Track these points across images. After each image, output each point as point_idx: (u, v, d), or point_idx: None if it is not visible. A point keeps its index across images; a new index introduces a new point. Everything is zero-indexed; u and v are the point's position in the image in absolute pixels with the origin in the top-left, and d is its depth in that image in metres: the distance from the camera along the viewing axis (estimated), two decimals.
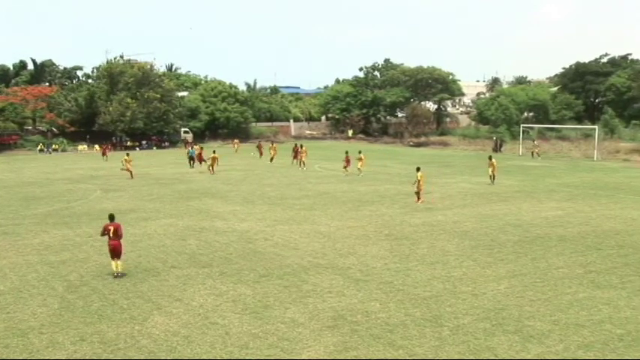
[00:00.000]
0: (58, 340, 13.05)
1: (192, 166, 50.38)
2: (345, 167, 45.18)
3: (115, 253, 17.91)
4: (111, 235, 18.03)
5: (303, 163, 49.40)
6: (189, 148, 57.26)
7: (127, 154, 46.13)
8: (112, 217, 18.74)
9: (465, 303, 15.22)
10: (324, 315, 14.43)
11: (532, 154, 62.51)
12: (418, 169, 31.17)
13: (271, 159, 54.66)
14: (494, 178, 38.69)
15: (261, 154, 60.54)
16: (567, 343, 12.65)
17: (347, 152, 46.13)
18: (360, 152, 45.25)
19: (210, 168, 46.17)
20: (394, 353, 12.27)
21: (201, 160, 49.49)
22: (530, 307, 14.84)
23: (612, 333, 13.20)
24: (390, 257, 19.91)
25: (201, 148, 54.65)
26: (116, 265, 17.89)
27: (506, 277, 17.50)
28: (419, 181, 30.82)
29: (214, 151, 48.32)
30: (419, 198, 30.83)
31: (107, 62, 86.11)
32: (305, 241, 22.36)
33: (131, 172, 43.42)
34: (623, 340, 12.79)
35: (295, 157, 52.34)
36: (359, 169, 44.10)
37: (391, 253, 20.41)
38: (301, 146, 51.70)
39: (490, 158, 39.90)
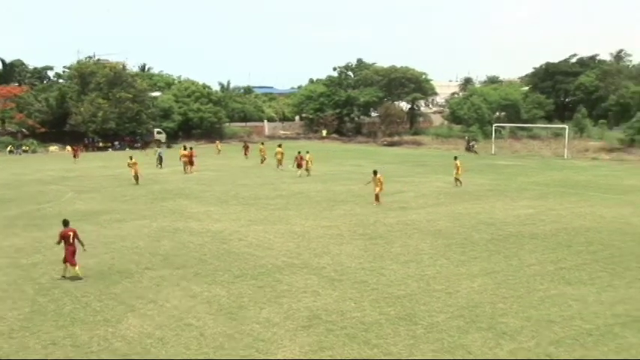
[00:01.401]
0: (28, 345, 12.90)
1: (162, 167, 49.94)
2: (298, 166, 44.27)
3: (74, 257, 17.71)
4: (71, 240, 17.78)
5: (280, 163, 48.81)
6: (157, 148, 56.86)
7: (131, 157, 42.40)
8: (66, 223, 18.37)
9: (439, 301, 15.36)
10: (299, 315, 14.46)
11: (471, 149, 64.39)
12: (375, 173, 30.87)
13: (262, 160, 53.43)
14: (458, 180, 37.14)
15: (246, 154, 59.28)
16: (539, 339, 12.84)
17: (299, 152, 45.60)
18: (307, 152, 44.94)
19: (188, 168, 46.12)
20: (369, 352, 12.34)
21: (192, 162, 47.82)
22: (503, 305, 15.03)
23: (582, 328, 13.43)
24: (365, 256, 20.00)
25: (192, 149, 53.63)
26: (75, 272, 17.66)
27: (480, 275, 17.69)
28: (381, 182, 30.44)
29: (185, 149, 48.70)
30: (377, 200, 30.32)
31: (78, 62, 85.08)
32: (279, 241, 22.36)
33: (137, 176, 39.81)
34: (592, 335, 13.02)
35: (300, 165, 51.37)
36: (307, 170, 43.79)
37: (365, 253, 20.50)
38: (278, 146, 51.28)
39: (455, 159, 38.60)
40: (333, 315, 14.43)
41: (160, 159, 51.24)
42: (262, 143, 59.61)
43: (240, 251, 20.94)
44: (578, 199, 31.82)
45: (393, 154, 65.19)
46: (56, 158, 64.84)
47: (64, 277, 17.69)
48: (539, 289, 16.29)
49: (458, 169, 37.15)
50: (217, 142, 74.29)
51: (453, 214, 27.59)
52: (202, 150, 68.73)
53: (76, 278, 17.60)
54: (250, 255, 20.37)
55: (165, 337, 13.21)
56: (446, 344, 12.64)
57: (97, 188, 38.09)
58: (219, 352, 12.44)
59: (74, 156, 59.69)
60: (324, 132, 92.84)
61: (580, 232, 23.52)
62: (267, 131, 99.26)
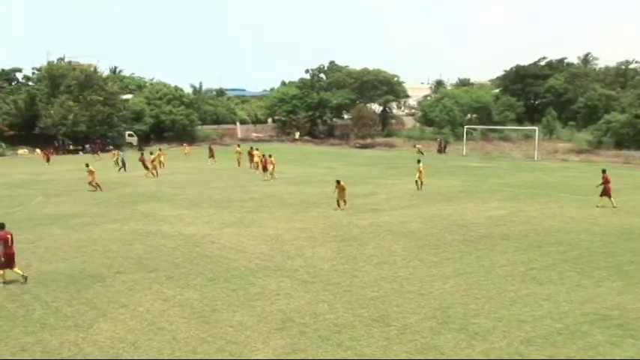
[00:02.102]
0: None
1: (125, 170, 49.23)
2: (263, 169, 43.51)
3: (13, 260, 17.49)
4: (10, 243, 17.54)
5: (256, 165, 47.79)
6: (121, 152, 56.27)
7: (87, 165, 40.29)
8: (2, 226, 17.98)
9: (412, 302, 15.46)
10: (273, 317, 14.45)
11: (418, 151, 65.23)
12: (338, 182, 29.99)
13: (239, 163, 52.96)
14: (421, 184, 36.60)
15: (212, 157, 58.68)
16: (510, 339, 12.99)
17: (263, 155, 45.00)
18: (270, 156, 43.91)
19: (154, 172, 45.59)
20: (343, 354, 12.37)
21: (146, 166, 47.34)
22: (475, 305, 15.18)
23: (552, 327, 13.62)
24: (338, 258, 20.05)
25: (159, 150, 53.44)
26: (17, 272, 17.46)
27: (452, 276, 17.84)
28: (343, 190, 29.69)
29: (151, 153, 48.39)
30: (339, 205, 29.66)
31: (48, 64, 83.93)
32: (252, 244, 22.32)
33: (96, 184, 38.38)
34: (562, 334, 13.22)
35: (252, 160, 50.84)
36: (271, 174, 42.68)
37: (338, 255, 20.55)
38: (256, 149, 50.67)
39: (418, 162, 37.73)
40: (306, 317, 14.45)
41: (124, 162, 50.37)
42: (238, 145, 59.34)
43: (213, 254, 20.86)
44: (548, 200, 32.26)
45: (365, 156, 65.42)
46: (26, 161, 63.86)
47: (4, 283, 17.28)
48: (510, 290, 16.48)
49: (420, 172, 36.66)
50: (185, 144, 73.29)
51: (425, 216, 27.78)
52: (173, 153, 68.37)
53: (20, 278, 17.48)
54: (223, 258, 20.29)
55: (138, 341, 13.11)
56: (419, 345, 12.73)
57: (67, 192, 37.63)
58: (192, 355, 12.38)
59: (46, 160, 58.43)
60: (297, 134, 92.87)
61: (550, 233, 23.85)
62: (239, 134, 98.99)
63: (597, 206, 29.77)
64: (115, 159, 53.39)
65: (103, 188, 37.77)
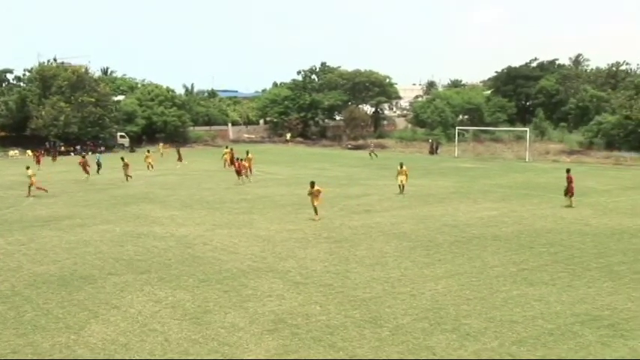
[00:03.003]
0: None
1: (99, 173, 48.20)
2: (237, 173, 41.35)
3: None
4: None
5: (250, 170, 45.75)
6: (97, 154, 55.78)
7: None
8: None
9: (404, 303, 15.48)
10: (265, 319, 14.44)
11: (370, 154, 64.30)
12: (313, 184, 27.65)
13: (225, 164, 52.06)
14: (403, 188, 35.17)
15: (180, 160, 57.40)
16: (502, 340, 13.03)
17: (238, 158, 43.03)
18: (247, 153, 43.41)
19: (127, 177, 43.32)
20: (335, 355, 12.38)
21: (86, 170, 45.38)
22: (467, 306, 15.21)
23: (544, 328, 13.67)
24: (330, 260, 20.05)
25: (147, 152, 53.33)
26: None
27: (444, 277, 17.87)
28: (317, 195, 27.41)
29: (122, 158, 45.63)
30: (316, 213, 27.45)
31: (39, 65, 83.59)
32: (244, 245, 22.29)
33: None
34: (554, 335, 13.26)
35: (232, 163, 49.55)
36: (246, 176, 41.45)
37: (330, 256, 20.56)
38: (229, 148, 50.18)
39: (401, 165, 35.94)
40: (298, 318, 14.44)
41: (99, 165, 49.57)
42: (227, 147, 59.16)
43: (204, 255, 20.82)
44: (540, 201, 32.36)
45: (357, 158, 65.43)
46: (16, 163, 63.47)
47: None
48: (502, 290, 16.52)
49: (405, 176, 35.40)
50: (161, 144, 71.28)
51: (417, 217, 27.82)
52: (168, 154, 68.15)
53: None
54: (215, 259, 20.26)
55: (130, 343, 13.07)
56: (411, 346, 12.75)
57: (58, 193, 37.47)
58: (184, 357, 12.36)
59: (37, 162, 56.49)
60: (289, 135, 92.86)
61: (541, 234, 23.93)
62: (231, 135, 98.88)
63: (565, 206, 30.06)
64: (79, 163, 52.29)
65: (47, 190, 37.18)
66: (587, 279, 17.60)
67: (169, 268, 19.15)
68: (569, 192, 30.48)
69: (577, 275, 18.00)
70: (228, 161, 45.28)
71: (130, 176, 43.46)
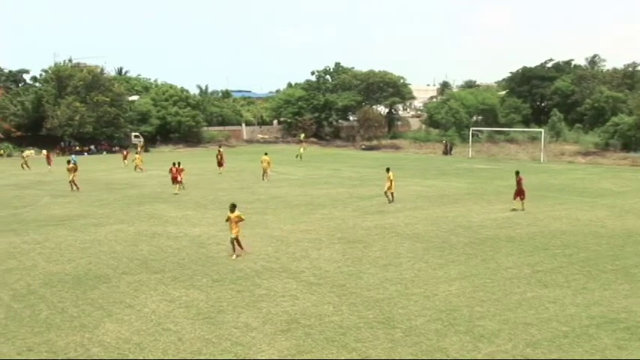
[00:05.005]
0: (3, 352, 12.74)
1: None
2: (173, 180, 37.34)
3: None
4: None
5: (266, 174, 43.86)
6: (73, 155, 55.20)
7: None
8: None
9: (417, 304, 15.43)
10: (278, 319, 14.44)
11: (298, 157, 61.94)
12: (233, 208, 20.64)
13: (218, 165, 50.02)
14: (392, 196, 32.62)
15: (125, 159, 55.82)
16: (516, 342, 12.95)
17: (174, 163, 38.22)
18: (179, 164, 38.60)
19: (73, 183, 38.97)
20: (347, 356, 12.35)
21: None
22: (481, 308, 15.14)
23: (558, 330, 13.57)
24: (343, 260, 20.03)
25: (142, 147, 52.86)
26: None
27: (457, 279, 17.80)
28: (234, 221, 20.63)
29: (69, 161, 41.09)
30: (240, 246, 20.91)
31: (55, 65, 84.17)
32: (258, 246, 22.31)
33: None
34: (568, 337, 13.16)
35: (220, 164, 49.04)
36: (180, 182, 37.52)
37: (344, 256, 20.53)
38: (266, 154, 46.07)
39: (387, 171, 32.92)
40: (311, 319, 14.43)
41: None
42: (220, 146, 58.51)
43: (218, 255, 20.87)
44: (554, 203, 32.16)
45: (371, 158, 65.37)
46: (32, 162, 63.95)
47: None
48: (516, 292, 16.43)
49: (391, 182, 32.38)
50: (124, 150, 62.61)
51: (431, 218, 27.73)
52: (182, 154, 68.37)
53: None
54: (228, 259, 20.29)
55: (143, 342, 13.12)
56: (424, 347, 12.70)
57: (73, 193, 37.71)
58: (197, 357, 12.38)
59: (48, 163, 55.01)
60: (302, 136, 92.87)
61: (556, 235, 23.77)
62: (245, 135, 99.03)
63: (512, 210, 29.53)
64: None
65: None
66: (603, 281, 17.46)
67: (183, 268, 19.21)
68: (519, 194, 29.71)
69: (592, 277, 17.86)
70: (174, 174, 41.39)
71: (75, 183, 38.98)
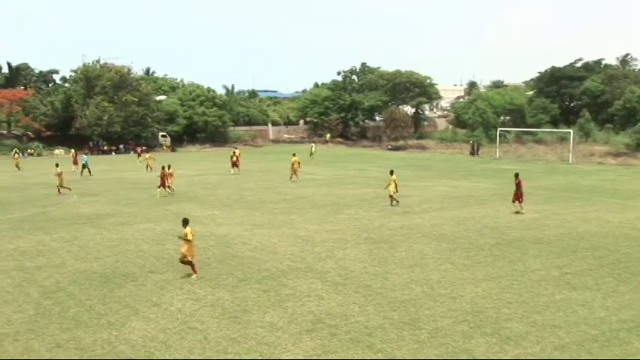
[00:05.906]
0: (33, 347, 12.90)
1: (82, 175, 48.27)
2: (161, 184, 36.16)
3: None
4: None
5: (295, 174, 43.58)
6: (84, 155, 55.13)
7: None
8: None
9: (443, 306, 15.31)
10: (303, 319, 14.42)
11: (232, 167, 51.09)
12: (185, 222, 18.51)
13: (232, 165, 49.45)
14: (394, 199, 31.28)
15: (75, 163, 53.28)
16: (544, 345, 12.77)
17: (164, 167, 37.04)
18: (169, 167, 37.36)
19: (59, 187, 37.88)
20: (373, 356, 12.29)
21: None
22: (508, 309, 14.97)
23: (587, 334, 13.35)
24: (369, 261, 19.96)
25: (147, 155, 53.05)
26: None
27: (484, 280, 17.62)
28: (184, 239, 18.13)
29: (57, 165, 39.80)
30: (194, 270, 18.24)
31: (84, 65, 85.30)
32: (283, 245, 22.33)
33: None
34: (598, 341, 12.94)
35: (235, 165, 48.74)
36: (169, 187, 36.34)
37: (370, 257, 20.46)
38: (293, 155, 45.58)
39: (391, 173, 31.78)
40: (337, 319, 14.39)
41: (84, 166, 49.34)
42: (236, 147, 58.31)
43: (244, 255, 20.93)
44: (583, 204, 31.71)
45: (397, 158, 65.14)
46: (61, 162, 64.75)
47: None
48: (543, 294, 16.22)
49: (395, 185, 31.26)
50: (73, 151, 58.34)
51: (457, 219, 27.52)
52: (208, 154, 68.68)
53: None
54: (254, 259, 20.35)
55: (169, 340, 13.19)
56: (450, 349, 12.59)
57: (101, 191, 38.15)
58: (223, 355, 12.41)
59: (74, 162, 54.03)
60: (328, 136, 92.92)
61: (585, 237, 23.43)
62: (271, 135, 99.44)
63: (514, 212, 28.98)
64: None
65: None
66: (634, 284, 17.16)
67: (209, 267, 19.29)
68: (518, 197, 29.18)
69: (623, 280, 17.56)
70: (162, 176, 40.12)
71: (62, 187, 38.03)
